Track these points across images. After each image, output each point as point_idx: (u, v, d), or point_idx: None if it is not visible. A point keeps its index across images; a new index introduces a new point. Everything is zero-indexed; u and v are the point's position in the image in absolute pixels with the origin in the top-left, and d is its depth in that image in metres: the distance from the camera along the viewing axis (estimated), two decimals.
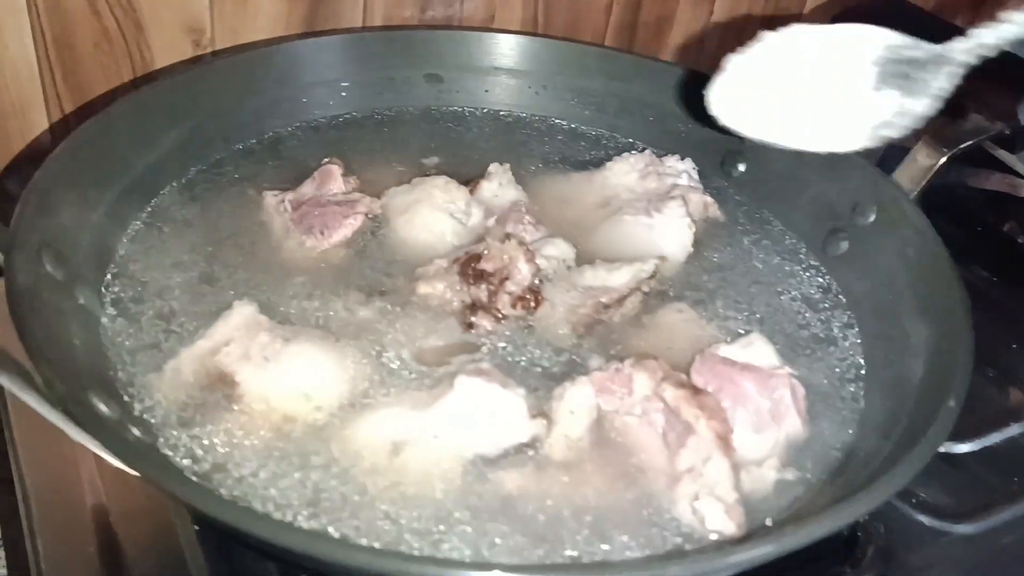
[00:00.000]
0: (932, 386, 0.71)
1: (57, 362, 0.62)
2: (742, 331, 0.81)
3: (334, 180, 0.89)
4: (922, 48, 0.71)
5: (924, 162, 0.87)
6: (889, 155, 0.95)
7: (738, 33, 1.34)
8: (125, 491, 0.73)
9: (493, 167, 0.93)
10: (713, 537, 0.64)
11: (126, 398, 0.69)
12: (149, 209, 0.86)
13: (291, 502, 0.63)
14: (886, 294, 0.83)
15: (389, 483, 0.65)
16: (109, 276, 0.78)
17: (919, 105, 0.72)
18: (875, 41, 0.72)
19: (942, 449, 0.64)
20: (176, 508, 0.71)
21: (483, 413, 0.68)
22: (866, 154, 0.91)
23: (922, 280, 0.80)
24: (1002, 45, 0.67)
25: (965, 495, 0.82)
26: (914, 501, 0.79)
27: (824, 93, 0.74)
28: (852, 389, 0.78)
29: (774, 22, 1.32)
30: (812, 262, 0.91)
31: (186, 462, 0.65)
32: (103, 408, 0.62)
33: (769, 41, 0.75)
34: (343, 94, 1.02)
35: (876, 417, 0.74)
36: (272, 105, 0.98)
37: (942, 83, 0.70)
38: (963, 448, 0.83)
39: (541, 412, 0.70)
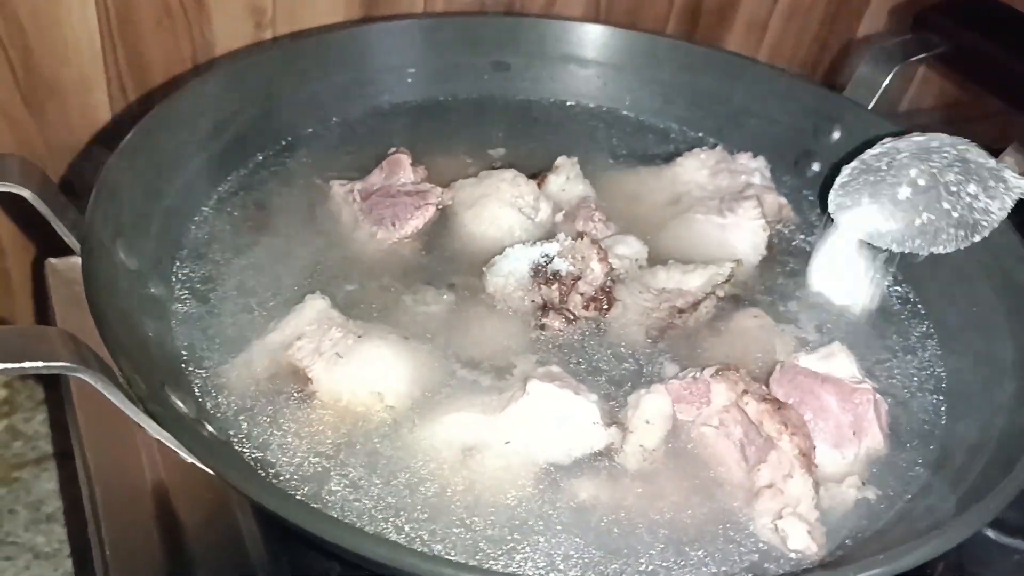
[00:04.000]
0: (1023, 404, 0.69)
1: (135, 357, 0.61)
2: (819, 338, 0.79)
3: (403, 170, 0.87)
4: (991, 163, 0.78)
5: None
6: None
7: (802, 21, 1.30)
8: (185, 470, 0.72)
9: (560, 160, 0.91)
10: (793, 556, 0.63)
11: (198, 392, 0.68)
12: (215, 197, 0.85)
13: (363, 503, 0.63)
14: (969, 305, 0.80)
15: (462, 488, 0.64)
16: (178, 265, 0.78)
17: (996, 206, 0.77)
18: (957, 149, 0.79)
19: None
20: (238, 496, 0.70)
21: (555, 419, 0.67)
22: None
23: (1008, 292, 0.77)
24: None
25: None
26: None
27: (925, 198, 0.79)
28: (934, 403, 0.76)
29: (839, 11, 1.31)
30: (890, 269, 0.88)
31: (257, 457, 0.65)
32: (180, 405, 0.61)
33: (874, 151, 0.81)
34: (409, 80, 1.00)
35: (962, 434, 0.72)
36: (337, 91, 0.97)
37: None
38: None
39: (616, 420, 0.69)
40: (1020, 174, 0.82)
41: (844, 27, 1.34)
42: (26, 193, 0.66)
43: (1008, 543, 0.77)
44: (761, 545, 0.64)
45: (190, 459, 0.58)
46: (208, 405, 0.67)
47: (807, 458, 0.65)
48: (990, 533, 0.78)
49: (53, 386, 1.12)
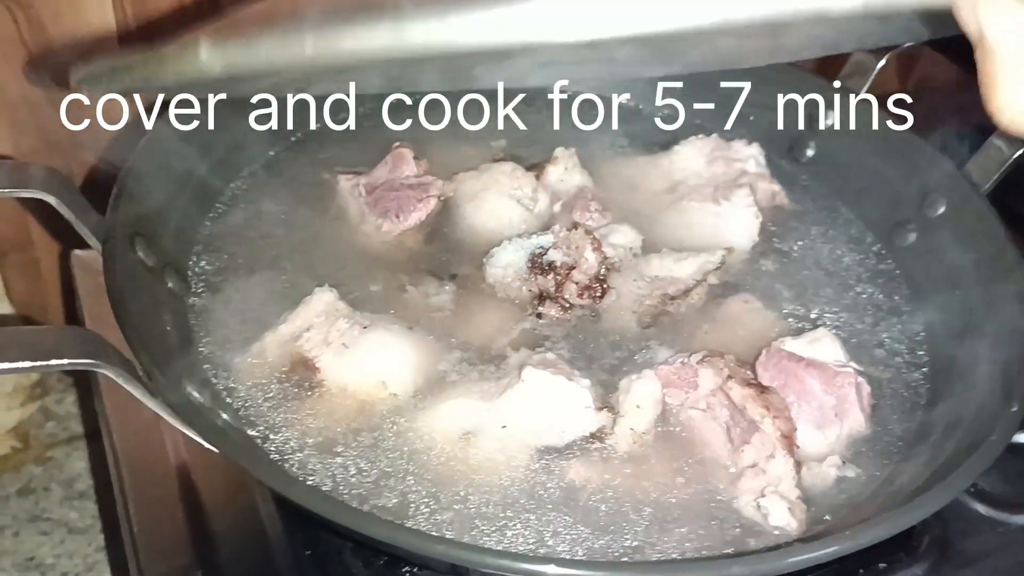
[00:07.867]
0: (997, 387, 0.71)
1: (154, 352, 0.65)
2: (808, 322, 0.82)
3: (407, 163, 0.91)
4: None
5: (1000, 153, 0.85)
6: (964, 141, 0.94)
7: None
8: (206, 453, 0.76)
9: (559, 151, 0.94)
10: (775, 533, 0.66)
11: (214, 381, 0.73)
12: (229, 192, 0.89)
13: (368, 484, 0.67)
14: (952, 289, 0.83)
15: (460, 469, 0.68)
16: (193, 261, 0.82)
17: None
18: None
19: None
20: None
21: (549, 404, 0.71)
22: (938, 141, 0.91)
23: (988, 278, 0.80)
24: None
25: None
26: (972, 490, 0.79)
27: None
28: (916, 384, 0.79)
29: None
30: (879, 253, 0.91)
31: (269, 441, 0.69)
32: (197, 396, 0.66)
33: None
34: None
35: (939, 415, 0.75)
36: None
37: None
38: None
39: (607, 404, 0.72)
40: (1004, 159, 0.84)
41: None
42: (50, 199, 0.71)
43: (995, 516, 0.79)
44: (743, 521, 0.67)
45: (209, 447, 0.62)
46: (224, 394, 0.72)
47: (788, 440, 0.68)
48: (979, 507, 0.80)
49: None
